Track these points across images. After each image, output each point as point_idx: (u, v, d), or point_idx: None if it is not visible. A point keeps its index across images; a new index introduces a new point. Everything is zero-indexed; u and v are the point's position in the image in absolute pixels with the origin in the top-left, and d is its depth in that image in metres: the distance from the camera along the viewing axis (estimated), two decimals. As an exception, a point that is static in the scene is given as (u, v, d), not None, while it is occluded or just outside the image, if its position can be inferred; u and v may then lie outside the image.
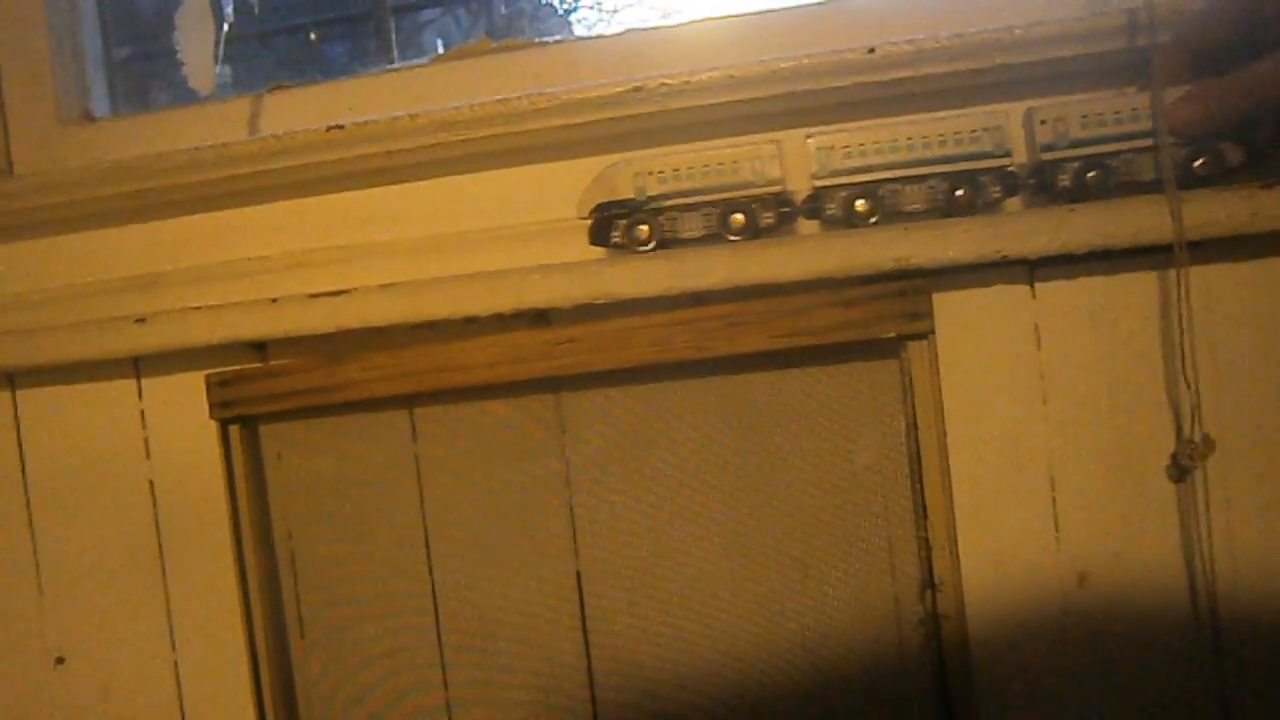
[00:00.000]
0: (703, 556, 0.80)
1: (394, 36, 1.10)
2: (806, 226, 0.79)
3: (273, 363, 0.85)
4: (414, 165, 0.84)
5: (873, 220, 0.76)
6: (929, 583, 0.76)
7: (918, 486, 0.76)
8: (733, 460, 0.79)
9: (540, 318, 0.81)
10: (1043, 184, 0.74)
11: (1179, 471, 0.75)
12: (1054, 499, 0.77)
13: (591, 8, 1.11)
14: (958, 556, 0.76)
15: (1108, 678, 0.76)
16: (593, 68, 0.86)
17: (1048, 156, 0.74)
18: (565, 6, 1.12)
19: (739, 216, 0.76)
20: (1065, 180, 0.73)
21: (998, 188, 0.75)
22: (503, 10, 1.13)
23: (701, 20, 0.85)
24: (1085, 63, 0.76)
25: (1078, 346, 0.77)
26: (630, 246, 0.78)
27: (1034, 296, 0.77)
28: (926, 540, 0.76)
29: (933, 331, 0.75)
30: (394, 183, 0.86)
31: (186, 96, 0.94)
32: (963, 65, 0.76)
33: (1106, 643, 0.76)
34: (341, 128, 0.81)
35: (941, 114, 0.77)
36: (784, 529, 0.79)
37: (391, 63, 0.98)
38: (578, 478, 0.81)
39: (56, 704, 0.90)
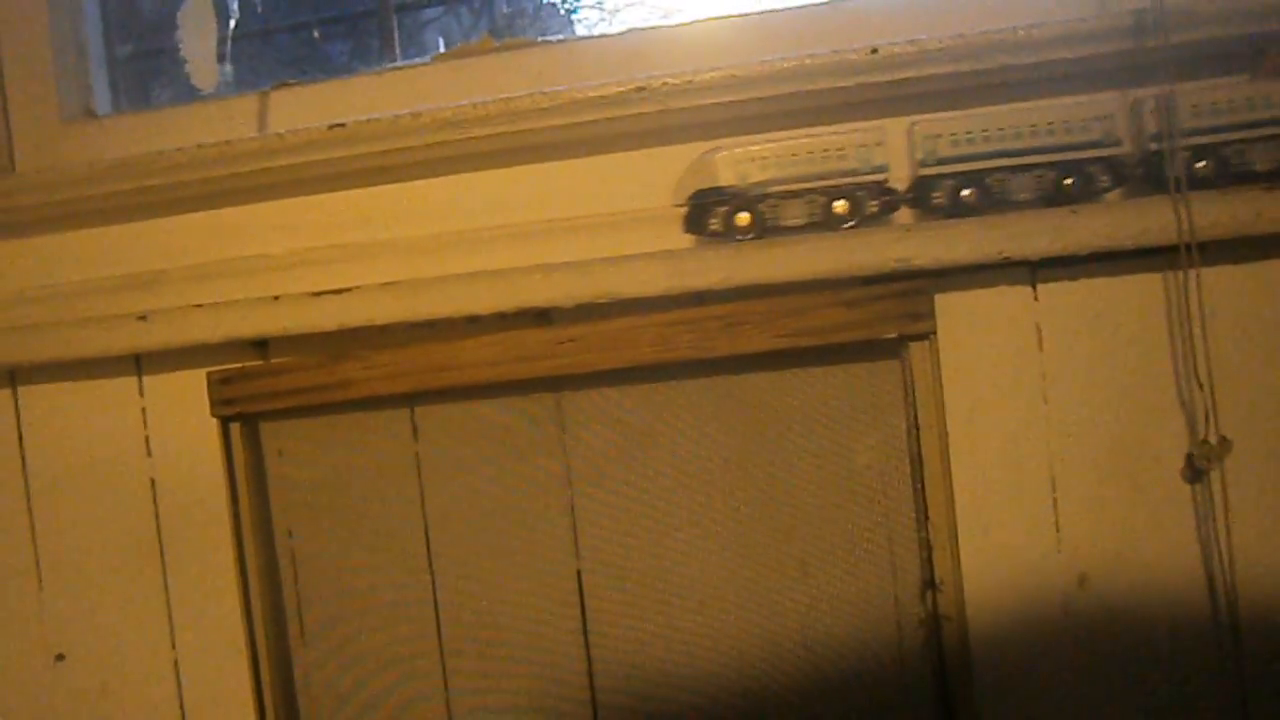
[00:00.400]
0: (703, 556, 0.80)
1: (396, 35, 1.09)
2: (905, 216, 0.77)
3: (274, 361, 0.85)
4: (417, 164, 0.84)
5: (982, 209, 0.73)
6: (929, 583, 0.76)
7: (919, 487, 0.76)
8: (733, 460, 0.79)
9: (542, 316, 0.81)
10: (1150, 174, 0.73)
11: (1194, 473, 0.75)
12: (1055, 500, 0.77)
13: (593, 7, 1.11)
14: (958, 557, 0.76)
15: (1108, 678, 0.76)
16: (595, 67, 0.85)
17: (1156, 146, 0.72)
18: (567, 6, 1.12)
19: (842, 203, 0.75)
20: (1175, 170, 0.72)
21: (1106, 178, 0.73)
22: (504, 9, 1.13)
23: (704, 20, 0.85)
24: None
25: (1079, 348, 0.77)
26: (729, 234, 0.76)
27: (1036, 298, 0.77)
28: (927, 540, 0.76)
29: (934, 332, 0.75)
30: (396, 181, 0.86)
31: (188, 94, 0.94)
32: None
33: (1107, 643, 0.76)
34: (344, 126, 0.81)
35: (1051, 102, 0.75)
36: (784, 529, 0.79)
37: (394, 61, 0.98)
38: (578, 477, 0.81)
39: (56, 700, 0.90)
